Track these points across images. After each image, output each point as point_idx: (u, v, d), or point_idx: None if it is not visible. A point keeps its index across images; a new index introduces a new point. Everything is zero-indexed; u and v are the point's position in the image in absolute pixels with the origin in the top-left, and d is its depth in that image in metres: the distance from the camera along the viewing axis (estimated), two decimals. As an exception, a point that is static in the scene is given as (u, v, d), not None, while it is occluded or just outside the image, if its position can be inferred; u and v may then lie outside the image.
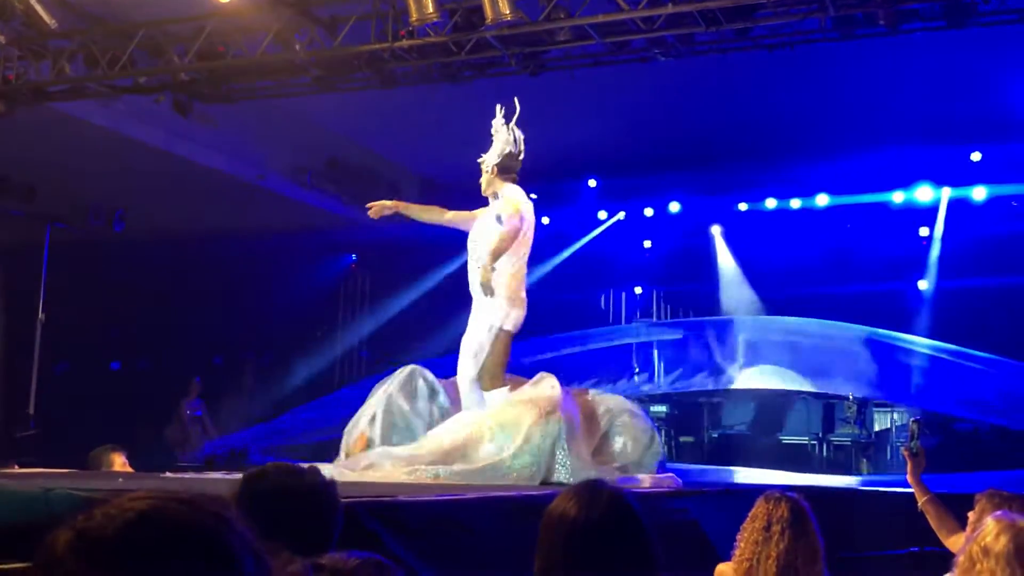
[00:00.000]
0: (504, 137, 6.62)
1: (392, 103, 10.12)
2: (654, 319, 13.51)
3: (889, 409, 11.73)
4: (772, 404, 12.03)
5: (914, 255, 13.10)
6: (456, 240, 7.11)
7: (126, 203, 11.83)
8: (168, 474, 6.70)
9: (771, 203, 13.57)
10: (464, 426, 6.18)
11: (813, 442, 11.75)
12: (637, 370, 12.19)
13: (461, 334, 6.64)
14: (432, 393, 6.64)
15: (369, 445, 6.29)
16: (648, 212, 14.19)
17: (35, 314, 9.83)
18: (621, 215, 14.36)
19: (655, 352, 12.30)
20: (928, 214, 13.00)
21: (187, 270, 12.74)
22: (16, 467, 6.92)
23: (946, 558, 4.00)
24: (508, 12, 7.14)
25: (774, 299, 13.34)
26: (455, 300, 7.69)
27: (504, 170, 6.61)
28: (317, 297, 14.65)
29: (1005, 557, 3.09)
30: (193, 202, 11.87)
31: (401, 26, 7.75)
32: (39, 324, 9.77)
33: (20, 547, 2.74)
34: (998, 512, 3.53)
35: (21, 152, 10.02)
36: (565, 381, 6.57)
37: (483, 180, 6.67)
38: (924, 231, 13.03)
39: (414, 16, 7.34)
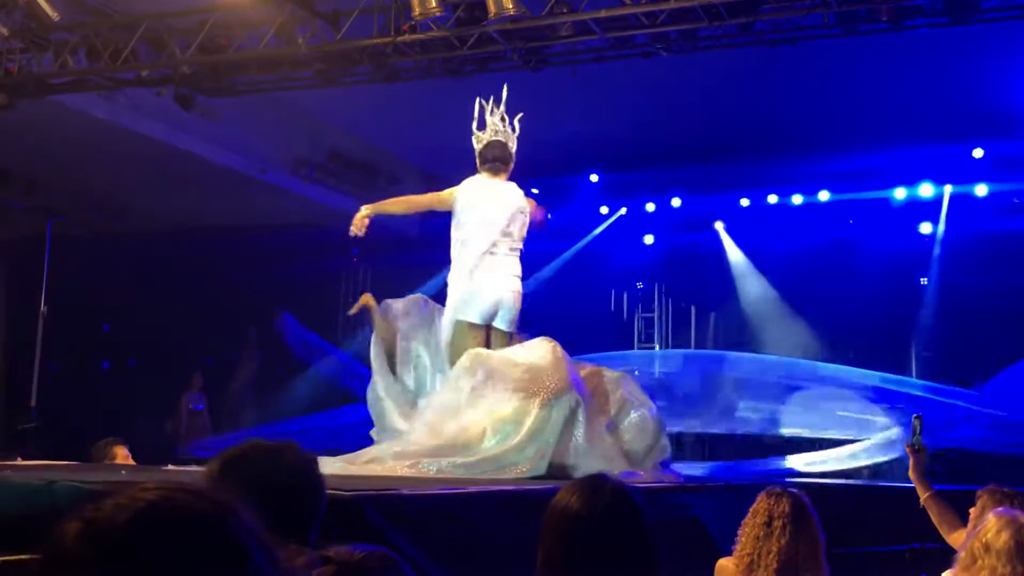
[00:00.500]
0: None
1: (394, 97, 10.11)
2: (654, 315, 13.50)
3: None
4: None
5: (916, 251, 13.06)
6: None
7: (128, 196, 11.83)
8: (170, 467, 6.70)
9: (773, 199, 13.54)
10: (466, 417, 6.07)
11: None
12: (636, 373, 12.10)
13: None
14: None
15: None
16: (650, 207, 14.18)
17: (37, 307, 9.83)
18: (623, 211, 14.34)
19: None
20: (931, 210, 12.96)
21: (187, 263, 12.73)
22: (20, 460, 6.92)
23: (947, 554, 4.02)
24: (511, 7, 7.15)
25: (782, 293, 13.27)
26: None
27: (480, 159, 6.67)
28: (318, 291, 14.62)
29: (1006, 553, 3.11)
30: (195, 196, 11.86)
31: (404, 20, 7.75)
32: (41, 317, 9.77)
33: (24, 539, 2.75)
34: (999, 508, 3.54)
35: (23, 145, 10.02)
36: None
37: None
38: (926, 227, 13.00)
39: (417, 10, 7.35)
